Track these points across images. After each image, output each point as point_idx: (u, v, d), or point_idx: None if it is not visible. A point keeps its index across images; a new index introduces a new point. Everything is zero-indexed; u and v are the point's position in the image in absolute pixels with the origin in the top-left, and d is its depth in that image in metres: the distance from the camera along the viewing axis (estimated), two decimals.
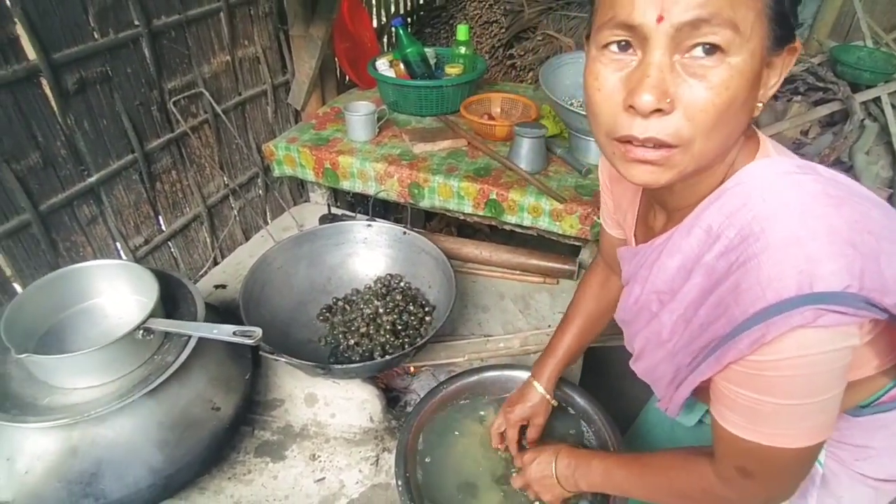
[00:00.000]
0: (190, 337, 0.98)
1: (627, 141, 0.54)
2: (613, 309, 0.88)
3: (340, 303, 1.36)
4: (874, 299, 0.52)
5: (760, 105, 0.56)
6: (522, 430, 1.04)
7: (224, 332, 0.91)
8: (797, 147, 2.43)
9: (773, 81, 0.56)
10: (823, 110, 2.38)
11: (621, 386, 1.57)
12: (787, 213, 0.54)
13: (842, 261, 0.51)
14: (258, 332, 0.90)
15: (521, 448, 1.03)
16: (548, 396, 1.02)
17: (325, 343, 1.28)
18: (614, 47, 0.53)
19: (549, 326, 1.41)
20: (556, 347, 1.03)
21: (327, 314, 1.34)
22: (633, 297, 0.74)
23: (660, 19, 0.49)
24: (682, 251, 0.64)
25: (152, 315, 0.94)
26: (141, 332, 0.92)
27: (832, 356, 0.54)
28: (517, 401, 1.04)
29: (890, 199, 2.10)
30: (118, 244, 1.40)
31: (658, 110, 0.51)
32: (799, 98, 2.48)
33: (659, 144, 0.53)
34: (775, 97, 2.56)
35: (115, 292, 1.08)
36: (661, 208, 0.72)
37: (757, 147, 0.61)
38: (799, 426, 0.58)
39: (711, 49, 0.49)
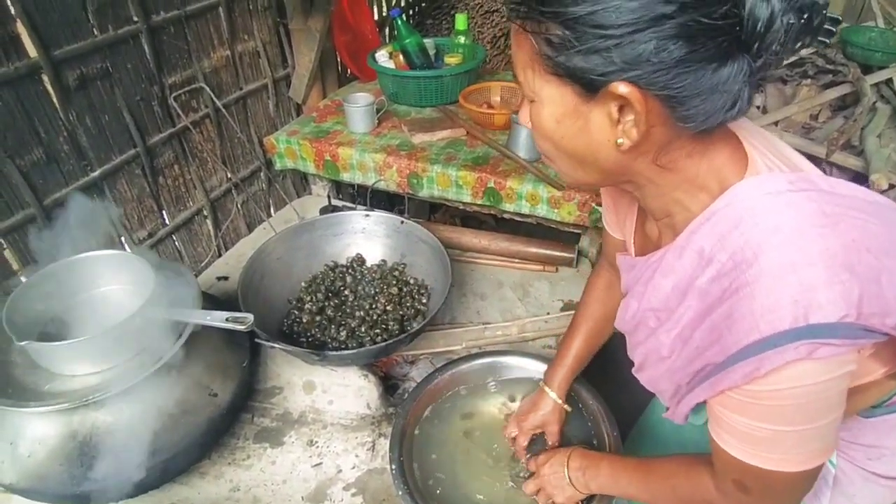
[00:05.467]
0: (186, 325, 1.00)
1: None
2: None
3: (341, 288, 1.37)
4: (873, 326, 0.51)
5: (621, 142, 0.56)
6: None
7: (217, 318, 0.93)
8: (807, 132, 2.39)
9: (628, 119, 0.55)
10: (833, 93, 2.33)
11: (627, 376, 1.55)
12: (780, 237, 0.53)
13: (838, 288, 0.50)
14: (250, 318, 0.92)
15: (532, 454, 1.03)
16: (560, 402, 1.02)
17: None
18: None
19: (548, 314, 1.41)
20: (565, 354, 1.03)
21: (325, 302, 1.35)
22: (630, 312, 0.74)
23: None
24: (676, 272, 0.63)
25: (149, 303, 0.96)
26: (138, 319, 0.94)
27: (828, 384, 0.54)
28: (530, 409, 1.03)
29: None
30: (122, 238, 1.43)
31: None
32: (808, 81, 2.43)
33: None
34: (784, 81, 2.52)
35: (117, 282, 1.10)
36: (653, 219, 0.72)
37: (745, 163, 0.60)
38: (797, 451, 0.58)
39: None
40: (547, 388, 1.03)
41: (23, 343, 0.88)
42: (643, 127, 0.54)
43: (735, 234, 0.56)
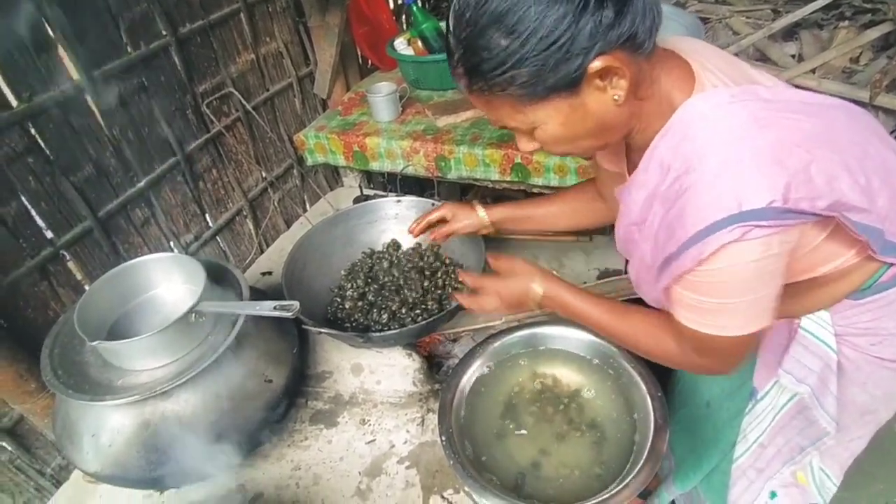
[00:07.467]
0: (238, 317, 1.06)
1: None
2: (582, 226, 1.15)
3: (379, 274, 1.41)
4: (803, 209, 0.61)
5: (617, 98, 0.66)
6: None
7: (265, 307, 0.98)
8: (848, 76, 2.28)
9: (615, 80, 0.65)
10: (873, 33, 2.21)
11: None
12: (717, 143, 0.63)
13: (765, 181, 0.60)
14: (296, 305, 0.97)
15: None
16: (485, 218, 1.15)
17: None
18: None
19: (584, 283, 1.42)
20: (520, 204, 1.16)
21: (365, 288, 1.39)
22: (621, 231, 0.84)
23: None
24: (645, 185, 0.73)
25: (202, 299, 1.02)
26: (193, 314, 1.01)
27: (765, 262, 0.64)
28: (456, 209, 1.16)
29: None
30: (171, 242, 1.51)
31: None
32: (845, 24, 2.31)
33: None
34: (819, 26, 2.40)
35: (171, 283, 1.17)
36: (639, 150, 0.80)
37: (692, 82, 0.69)
38: (734, 320, 0.70)
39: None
40: (478, 206, 1.15)
41: (94, 343, 0.96)
42: (627, 74, 0.64)
43: (685, 143, 0.66)
